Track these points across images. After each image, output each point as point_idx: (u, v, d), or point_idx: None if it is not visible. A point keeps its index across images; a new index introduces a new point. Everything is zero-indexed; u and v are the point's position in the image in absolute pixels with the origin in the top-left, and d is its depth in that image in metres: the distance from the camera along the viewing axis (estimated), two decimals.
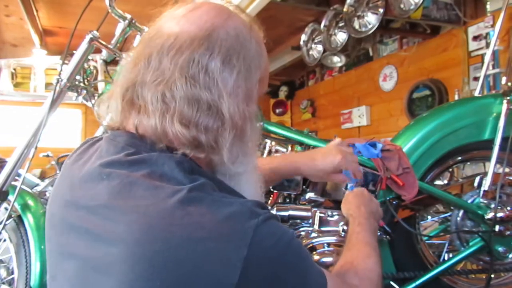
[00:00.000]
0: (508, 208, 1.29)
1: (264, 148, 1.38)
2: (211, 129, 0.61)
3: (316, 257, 1.11)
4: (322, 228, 1.18)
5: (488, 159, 1.32)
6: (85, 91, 1.44)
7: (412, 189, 1.24)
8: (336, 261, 0.82)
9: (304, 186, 1.27)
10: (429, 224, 1.53)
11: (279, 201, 1.43)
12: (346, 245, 0.88)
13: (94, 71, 1.57)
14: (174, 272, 0.51)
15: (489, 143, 1.32)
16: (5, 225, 1.43)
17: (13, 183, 1.42)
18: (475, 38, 3.05)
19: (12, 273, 1.57)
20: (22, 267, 1.52)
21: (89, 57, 1.42)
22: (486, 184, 1.31)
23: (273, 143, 1.38)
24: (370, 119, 4.23)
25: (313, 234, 1.17)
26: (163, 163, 0.59)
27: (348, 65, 4.52)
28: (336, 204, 1.22)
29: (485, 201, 1.32)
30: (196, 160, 0.63)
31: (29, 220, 1.57)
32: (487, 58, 1.79)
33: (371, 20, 2.95)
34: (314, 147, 1.31)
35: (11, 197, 1.40)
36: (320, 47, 3.69)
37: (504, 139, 1.30)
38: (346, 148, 1.14)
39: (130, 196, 0.55)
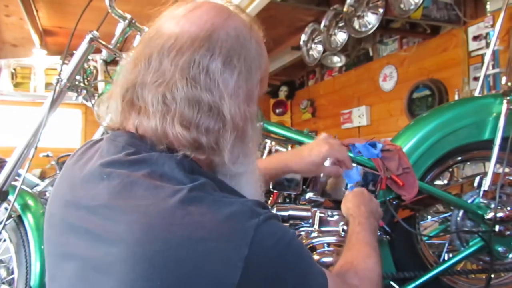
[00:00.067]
0: (508, 208, 1.29)
1: (264, 148, 1.38)
2: (212, 130, 0.61)
3: (316, 257, 1.11)
4: (322, 228, 1.18)
5: (488, 159, 1.32)
6: (85, 91, 1.44)
7: (412, 189, 1.24)
8: (336, 261, 0.83)
9: (304, 186, 1.28)
10: (429, 224, 1.53)
11: (279, 201, 1.43)
12: (346, 245, 0.88)
13: (94, 71, 1.57)
14: (174, 272, 0.51)
15: (489, 143, 1.32)
16: (5, 225, 1.43)
17: (13, 183, 1.42)
18: (475, 38, 3.05)
19: (12, 273, 1.57)
20: (22, 267, 1.52)
21: (89, 57, 1.42)
22: (486, 184, 1.31)
23: (273, 143, 1.38)
24: (370, 119, 4.23)
25: (313, 234, 1.17)
26: (164, 163, 0.59)
27: (348, 65, 4.52)
28: (336, 204, 1.22)
29: (485, 201, 1.32)
30: (197, 161, 0.63)
31: (29, 220, 1.57)
32: (487, 58, 1.79)
33: (371, 20, 2.95)
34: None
35: (11, 197, 1.40)
36: (320, 47, 3.69)
37: (504, 139, 1.30)
38: (333, 140, 1.13)
39: (131, 196, 0.55)
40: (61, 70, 1.36)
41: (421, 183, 1.28)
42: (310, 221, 1.21)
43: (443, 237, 1.45)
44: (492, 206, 1.29)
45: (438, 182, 1.46)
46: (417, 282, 1.27)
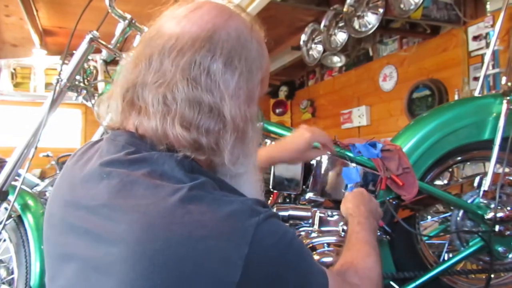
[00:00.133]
0: (508, 208, 1.29)
1: None
2: (212, 131, 0.61)
3: (316, 257, 1.11)
4: (322, 228, 1.18)
5: (488, 159, 1.32)
6: (85, 91, 1.44)
7: (412, 189, 1.24)
8: (336, 261, 0.83)
9: (304, 186, 1.28)
10: (429, 224, 1.53)
11: (279, 201, 1.43)
12: (346, 245, 0.88)
13: (94, 71, 1.57)
14: (174, 270, 0.51)
15: (489, 143, 1.32)
16: (5, 225, 1.43)
17: (13, 183, 1.42)
18: (475, 38, 3.05)
19: (12, 273, 1.57)
20: (22, 267, 1.52)
21: (89, 57, 1.42)
22: (486, 184, 1.31)
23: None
24: (370, 119, 4.23)
25: (313, 234, 1.17)
26: (164, 162, 0.59)
27: (348, 65, 4.52)
28: (336, 204, 1.22)
29: (485, 201, 1.32)
30: (197, 161, 0.63)
31: (29, 220, 1.57)
32: (487, 58, 1.79)
33: (371, 20, 2.95)
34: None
35: (11, 197, 1.40)
36: (320, 47, 3.69)
37: (504, 139, 1.30)
38: (313, 127, 1.17)
39: (131, 195, 0.55)
40: (61, 70, 1.36)
41: (421, 183, 1.28)
42: (310, 221, 1.21)
43: (443, 237, 1.46)
44: (492, 206, 1.29)
45: (438, 182, 1.46)
46: (417, 282, 1.27)
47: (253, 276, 0.52)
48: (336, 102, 4.77)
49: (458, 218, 1.37)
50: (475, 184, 1.37)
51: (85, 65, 1.43)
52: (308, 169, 1.27)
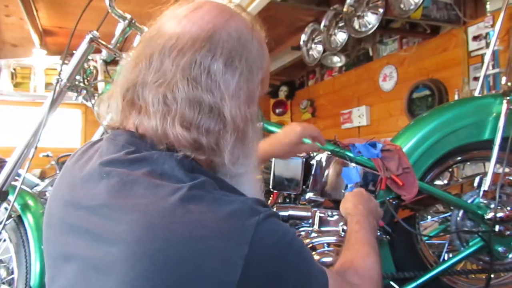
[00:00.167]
0: (508, 208, 1.29)
1: None
2: (212, 131, 0.61)
3: (316, 257, 1.11)
4: (322, 228, 1.19)
5: (488, 159, 1.32)
6: (85, 91, 1.44)
7: (412, 189, 1.24)
8: (336, 261, 0.82)
9: (304, 186, 1.28)
10: (429, 224, 1.53)
11: (279, 201, 1.43)
12: (345, 244, 0.88)
13: (94, 71, 1.57)
14: (174, 270, 0.51)
15: (489, 143, 1.32)
16: (5, 225, 1.43)
17: (13, 183, 1.42)
18: (475, 38, 3.05)
19: (12, 273, 1.57)
20: (22, 267, 1.52)
21: (89, 57, 1.41)
22: (486, 184, 1.31)
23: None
24: (370, 119, 4.23)
25: (313, 234, 1.17)
26: (164, 162, 0.59)
27: (348, 65, 4.52)
28: (336, 204, 1.22)
29: (485, 201, 1.32)
30: (197, 160, 0.63)
31: (29, 220, 1.57)
32: (487, 58, 1.79)
33: (371, 20, 2.95)
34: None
35: (11, 197, 1.40)
36: (320, 47, 3.69)
37: (504, 139, 1.30)
38: (303, 122, 1.22)
39: (131, 194, 0.55)
40: (61, 70, 1.36)
41: (421, 183, 1.28)
42: (310, 221, 1.21)
43: (443, 237, 1.46)
44: (492, 206, 1.29)
45: (438, 182, 1.46)
46: (417, 282, 1.27)
47: (253, 275, 0.52)
48: (336, 102, 4.77)
49: (458, 218, 1.37)
50: (475, 184, 1.37)
51: (85, 65, 1.43)
52: (308, 169, 1.27)
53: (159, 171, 0.58)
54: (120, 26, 1.42)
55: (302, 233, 1.21)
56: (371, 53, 4.25)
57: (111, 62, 1.45)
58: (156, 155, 0.60)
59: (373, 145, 1.27)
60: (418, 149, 1.34)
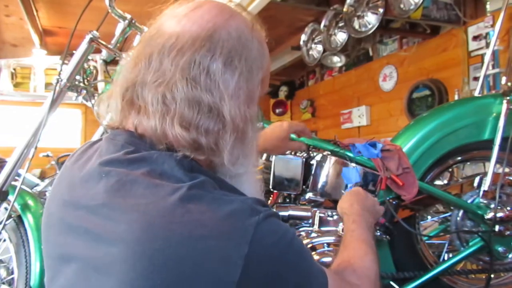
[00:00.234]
0: (508, 208, 1.29)
1: None
2: (211, 131, 0.60)
3: (316, 257, 1.11)
4: (322, 228, 1.19)
5: (488, 159, 1.32)
6: (85, 91, 1.44)
7: (412, 189, 1.24)
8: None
9: (304, 186, 1.28)
10: (429, 224, 1.53)
11: (279, 201, 1.43)
12: (342, 244, 0.88)
13: (94, 71, 1.57)
14: (174, 270, 0.51)
15: (489, 143, 1.32)
16: (5, 225, 1.43)
17: (13, 183, 1.42)
18: (475, 38, 3.05)
19: (12, 273, 1.57)
20: (22, 267, 1.52)
21: (89, 57, 1.42)
22: (486, 184, 1.31)
23: None
24: (370, 119, 4.23)
25: (313, 234, 1.17)
26: (163, 162, 0.59)
27: (348, 65, 4.52)
28: (336, 204, 1.22)
29: (485, 201, 1.32)
30: (197, 160, 0.62)
31: (29, 220, 1.57)
32: (487, 58, 1.79)
33: (371, 20, 2.95)
34: (314, 147, 1.32)
35: (11, 197, 1.40)
36: (320, 47, 3.69)
37: (504, 139, 1.30)
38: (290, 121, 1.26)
39: (130, 194, 0.55)
40: (61, 70, 1.36)
41: (421, 183, 1.28)
42: (310, 221, 1.21)
43: (443, 237, 1.45)
44: (492, 206, 1.29)
45: (438, 182, 1.46)
46: (417, 282, 1.27)
47: (253, 275, 0.52)
48: (336, 102, 4.77)
49: (458, 218, 1.37)
50: (475, 184, 1.37)
51: (85, 65, 1.43)
52: (308, 169, 1.27)
53: (159, 171, 0.58)
54: (120, 26, 1.42)
55: (302, 233, 1.21)
56: (371, 53, 4.25)
57: (111, 62, 1.46)
58: (155, 155, 0.60)
59: (373, 145, 1.27)
60: (418, 149, 1.34)
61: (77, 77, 1.40)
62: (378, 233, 1.16)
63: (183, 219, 0.52)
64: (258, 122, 0.71)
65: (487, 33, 2.91)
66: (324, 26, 3.35)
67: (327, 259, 1.09)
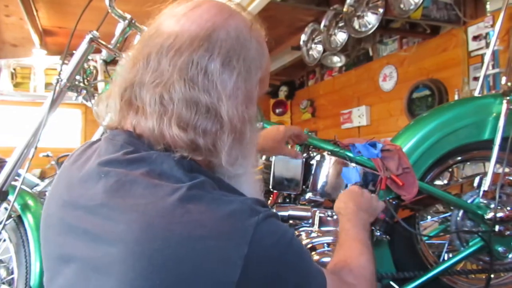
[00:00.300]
0: (508, 208, 1.29)
1: None
2: (209, 132, 0.60)
3: (316, 257, 1.11)
4: (322, 228, 1.19)
5: (488, 159, 1.32)
6: (85, 91, 1.44)
7: (412, 189, 1.24)
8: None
9: (304, 186, 1.28)
10: (429, 224, 1.53)
11: (279, 201, 1.43)
12: (338, 243, 0.88)
13: (94, 71, 1.57)
14: (173, 270, 0.50)
15: (489, 143, 1.32)
16: (5, 225, 1.43)
17: (13, 183, 1.42)
18: (475, 38, 3.05)
19: (12, 273, 1.57)
20: (22, 267, 1.52)
21: (89, 57, 1.41)
22: (486, 184, 1.31)
23: None
24: (370, 119, 4.23)
25: (313, 234, 1.17)
26: (162, 162, 0.59)
27: (348, 65, 4.52)
28: None
29: (485, 201, 1.32)
30: (196, 160, 0.62)
31: (29, 220, 1.57)
32: (487, 58, 1.79)
33: (371, 20, 2.95)
34: (314, 147, 1.32)
35: (11, 197, 1.40)
36: (320, 47, 3.69)
37: (504, 139, 1.30)
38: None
39: (129, 194, 0.55)
40: (61, 70, 1.36)
41: (421, 183, 1.28)
42: (310, 221, 1.21)
43: (443, 237, 1.45)
44: (492, 206, 1.29)
45: (438, 182, 1.46)
46: (417, 282, 1.27)
47: (253, 276, 0.52)
48: (336, 102, 4.77)
49: (458, 218, 1.37)
50: (475, 184, 1.37)
51: (85, 65, 1.43)
52: (308, 169, 1.27)
53: (158, 171, 0.58)
54: (120, 26, 1.42)
55: (302, 233, 1.21)
56: (371, 53, 4.25)
57: (111, 62, 1.45)
58: (154, 155, 0.60)
59: (373, 145, 1.27)
60: (418, 149, 1.34)
61: (77, 77, 1.40)
62: (378, 233, 1.16)
63: (183, 219, 0.52)
64: (257, 123, 0.71)
65: (487, 33, 2.91)
66: (324, 26, 3.35)
67: (327, 259, 1.09)
